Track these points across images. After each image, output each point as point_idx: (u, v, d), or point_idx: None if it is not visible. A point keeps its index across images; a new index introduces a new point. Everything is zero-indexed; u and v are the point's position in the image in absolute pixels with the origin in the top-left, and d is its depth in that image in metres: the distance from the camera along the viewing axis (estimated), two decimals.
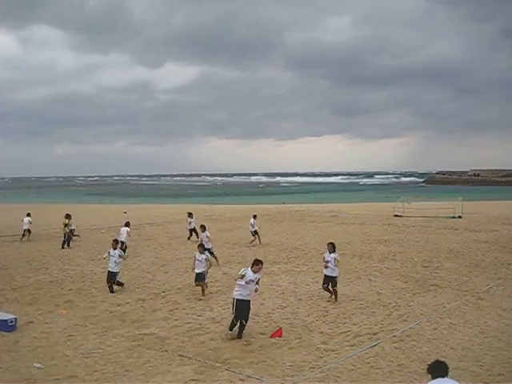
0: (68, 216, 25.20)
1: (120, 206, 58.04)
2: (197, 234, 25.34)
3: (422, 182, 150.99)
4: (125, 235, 21.98)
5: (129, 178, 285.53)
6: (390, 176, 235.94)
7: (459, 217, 36.43)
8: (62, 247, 24.17)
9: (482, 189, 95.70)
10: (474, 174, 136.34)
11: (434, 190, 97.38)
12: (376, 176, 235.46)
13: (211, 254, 18.68)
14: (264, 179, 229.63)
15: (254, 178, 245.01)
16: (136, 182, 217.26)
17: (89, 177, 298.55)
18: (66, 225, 24.74)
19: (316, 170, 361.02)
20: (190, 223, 26.83)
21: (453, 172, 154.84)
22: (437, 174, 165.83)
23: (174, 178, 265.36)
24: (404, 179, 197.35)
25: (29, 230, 27.26)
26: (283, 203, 62.44)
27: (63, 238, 24.62)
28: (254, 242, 25.18)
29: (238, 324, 11.05)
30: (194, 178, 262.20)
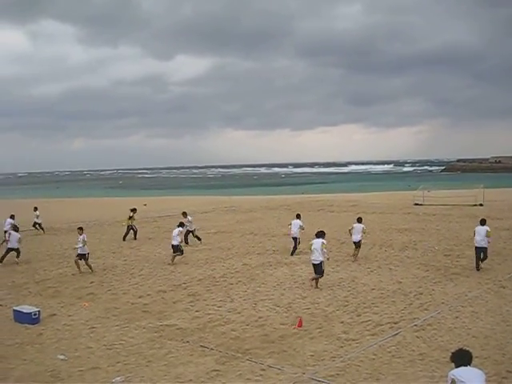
0: (134, 210, 25.68)
1: (139, 198, 58.27)
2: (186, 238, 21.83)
3: (442, 170, 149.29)
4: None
5: (140, 170, 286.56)
6: (408, 164, 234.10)
7: (480, 205, 35.94)
8: (124, 239, 24.71)
9: (503, 176, 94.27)
10: (496, 161, 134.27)
11: (454, 178, 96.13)
12: (394, 165, 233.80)
13: None
14: (263, 170, 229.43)
15: (249, 170, 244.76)
16: (138, 175, 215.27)
17: (104, 170, 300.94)
18: (130, 217, 25.24)
19: (332, 160, 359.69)
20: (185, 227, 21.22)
21: (473, 159, 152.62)
22: (457, 161, 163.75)
23: (176, 171, 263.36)
24: (423, 167, 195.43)
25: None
26: (302, 193, 62.26)
27: (128, 230, 25.12)
28: None
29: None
30: (200, 170, 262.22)
